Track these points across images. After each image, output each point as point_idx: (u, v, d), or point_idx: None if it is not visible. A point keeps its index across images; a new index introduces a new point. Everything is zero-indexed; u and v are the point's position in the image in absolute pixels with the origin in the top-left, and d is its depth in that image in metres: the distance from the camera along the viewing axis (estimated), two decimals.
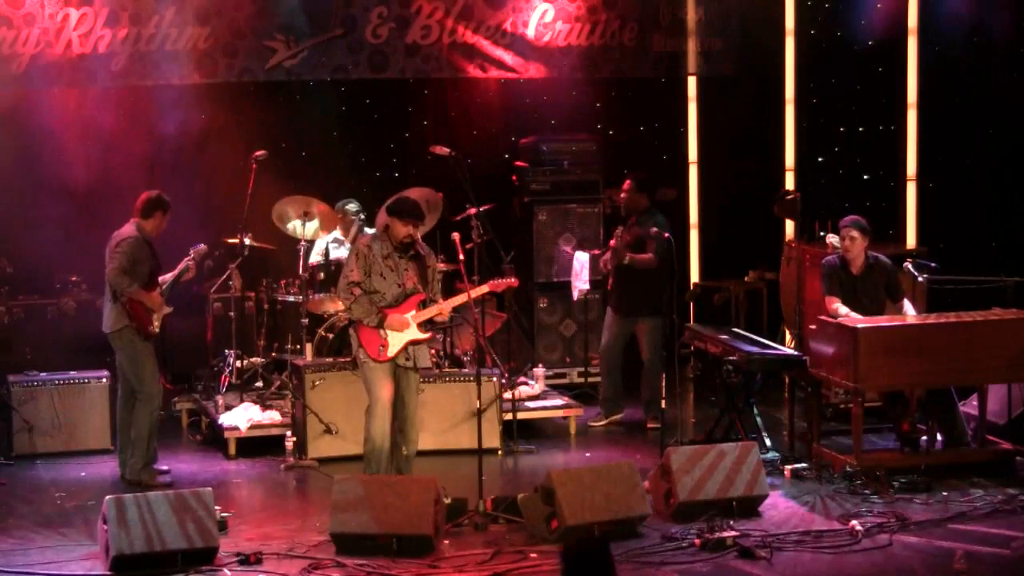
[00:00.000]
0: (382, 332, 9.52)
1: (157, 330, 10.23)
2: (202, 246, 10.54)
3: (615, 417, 11.76)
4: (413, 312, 9.58)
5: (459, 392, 10.96)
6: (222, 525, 8.68)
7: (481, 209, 11.51)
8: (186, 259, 10.42)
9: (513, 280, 10.21)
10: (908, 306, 10.47)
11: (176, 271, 10.40)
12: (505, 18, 13.67)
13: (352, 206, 12.20)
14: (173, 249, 10.54)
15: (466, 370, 11.29)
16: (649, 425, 11.45)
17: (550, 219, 13.13)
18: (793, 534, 8.67)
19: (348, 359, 10.48)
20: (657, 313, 11.26)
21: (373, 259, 9.56)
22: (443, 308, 9.70)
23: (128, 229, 10.14)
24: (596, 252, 12.26)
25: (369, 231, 11.98)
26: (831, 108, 14.14)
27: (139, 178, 12.22)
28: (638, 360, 11.75)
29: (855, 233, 10.32)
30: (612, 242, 11.52)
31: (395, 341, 9.54)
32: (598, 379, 12.12)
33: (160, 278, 10.30)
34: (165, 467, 10.44)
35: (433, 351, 10.86)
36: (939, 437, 10.11)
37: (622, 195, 11.63)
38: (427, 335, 9.69)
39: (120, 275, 10.01)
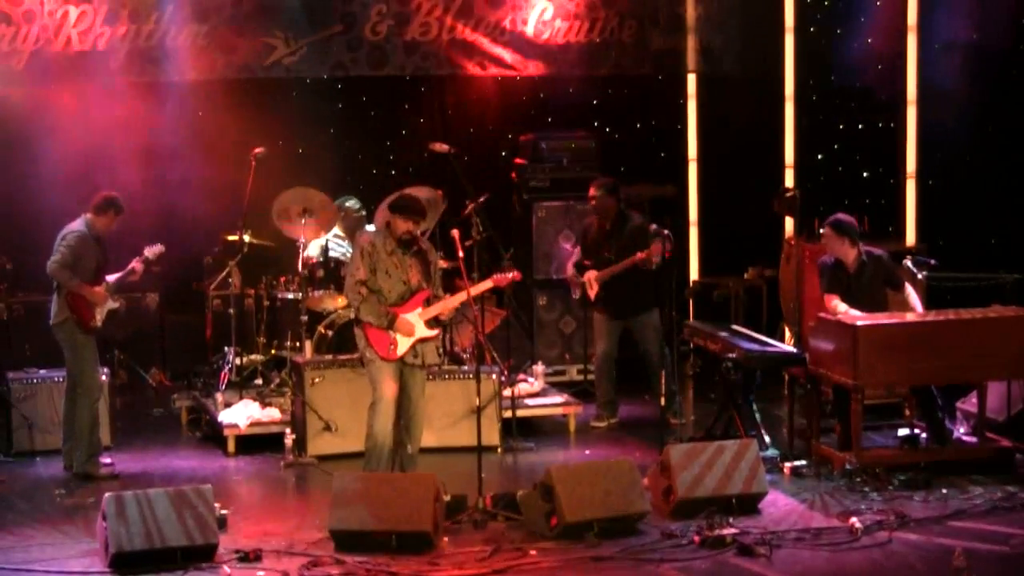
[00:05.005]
0: (391, 332, 9.51)
1: (99, 324, 10.28)
2: (159, 247, 10.51)
3: (614, 420, 11.76)
4: (419, 310, 9.58)
5: (458, 389, 10.95)
6: (221, 522, 8.68)
7: (480, 200, 11.49)
8: (137, 259, 10.41)
9: (516, 274, 10.18)
10: (911, 293, 10.44)
11: (126, 270, 10.40)
12: (504, 15, 13.66)
13: (352, 203, 12.20)
14: (172, 247, 10.52)
15: (465, 367, 11.29)
16: (672, 421, 11.37)
17: (549, 216, 13.13)
18: (792, 531, 8.66)
19: (348, 356, 10.47)
20: (652, 307, 11.29)
21: (378, 256, 9.55)
22: (447, 306, 9.70)
23: (77, 224, 10.22)
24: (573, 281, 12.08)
25: (369, 228, 11.99)
26: (830, 105, 14.12)
27: (138, 175, 12.20)
28: (634, 359, 11.73)
29: (824, 231, 10.38)
30: (591, 274, 11.48)
31: (404, 340, 9.54)
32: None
33: (108, 276, 10.31)
34: (108, 459, 10.44)
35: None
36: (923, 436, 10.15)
37: (592, 202, 11.62)
38: (435, 332, 9.69)
39: (61, 268, 10.09)
